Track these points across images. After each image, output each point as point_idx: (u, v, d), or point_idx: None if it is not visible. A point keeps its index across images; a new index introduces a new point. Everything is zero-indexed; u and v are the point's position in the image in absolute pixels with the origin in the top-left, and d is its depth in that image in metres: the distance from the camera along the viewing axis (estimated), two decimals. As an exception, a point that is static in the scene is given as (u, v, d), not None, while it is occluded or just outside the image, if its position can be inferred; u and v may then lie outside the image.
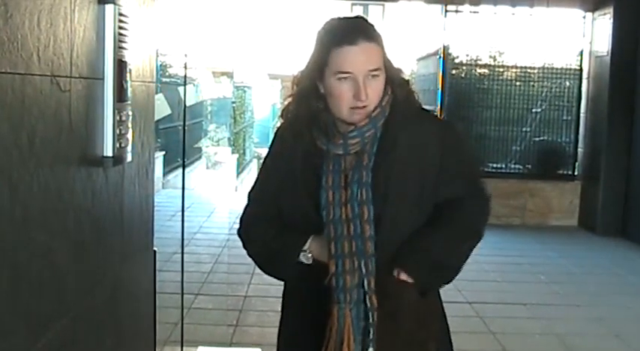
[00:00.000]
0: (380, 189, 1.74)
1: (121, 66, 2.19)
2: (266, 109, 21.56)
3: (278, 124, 1.97)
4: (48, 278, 1.76)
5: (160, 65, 10.26)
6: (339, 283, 1.72)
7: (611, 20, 7.92)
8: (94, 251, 2.14)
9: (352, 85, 1.71)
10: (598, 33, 8.29)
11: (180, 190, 9.73)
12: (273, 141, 1.94)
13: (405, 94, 1.82)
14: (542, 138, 8.86)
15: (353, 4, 9.06)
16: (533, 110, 8.79)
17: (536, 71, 8.87)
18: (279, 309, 1.99)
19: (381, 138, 1.78)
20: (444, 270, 1.83)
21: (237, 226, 1.96)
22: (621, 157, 7.91)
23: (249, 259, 1.94)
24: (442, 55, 8.62)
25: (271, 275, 1.93)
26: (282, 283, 1.95)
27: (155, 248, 3.02)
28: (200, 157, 14.73)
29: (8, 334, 1.55)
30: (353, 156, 1.77)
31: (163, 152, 10.27)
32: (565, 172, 8.73)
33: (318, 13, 10.13)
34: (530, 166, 8.80)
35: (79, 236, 2.00)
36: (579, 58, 8.65)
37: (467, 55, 8.80)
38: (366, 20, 1.80)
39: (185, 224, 5.69)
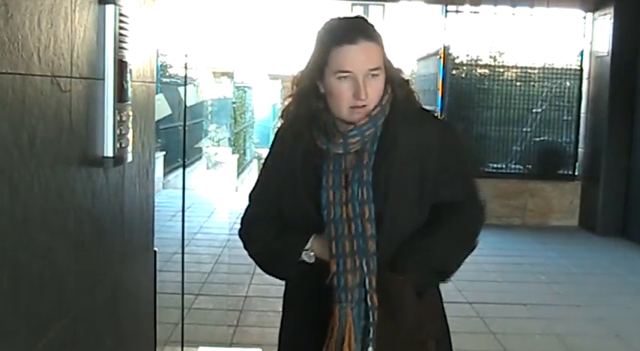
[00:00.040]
0: (380, 188, 1.75)
1: (121, 66, 2.19)
2: (266, 109, 21.57)
3: (278, 125, 1.97)
4: (48, 278, 1.76)
5: (161, 65, 10.26)
6: (340, 282, 1.73)
7: (612, 20, 7.92)
8: (94, 251, 2.14)
9: (352, 84, 1.71)
10: (598, 33, 8.29)
11: (181, 191, 9.75)
12: (273, 141, 1.95)
13: (405, 94, 1.82)
14: (542, 138, 8.86)
15: (353, 4, 9.07)
16: (534, 110, 8.79)
17: (536, 71, 8.87)
18: (280, 309, 1.99)
19: (381, 137, 1.78)
20: (442, 271, 1.84)
21: (237, 226, 1.97)
22: (621, 158, 7.91)
23: (250, 260, 1.94)
24: (442, 56, 8.62)
25: (272, 275, 1.93)
26: (283, 283, 1.96)
27: (155, 248, 3.02)
28: (200, 158, 14.74)
29: (8, 334, 1.55)
30: (353, 155, 1.77)
31: (164, 152, 10.27)
32: (565, 173, 8.73)
33: (318, 13, 10.13)
34: (530, 167, 8.80)
35: (80, 236, 2.00)
36: (580, 58, 8.65)
37: (467, 56, 8.80)
38: (366, 20, 1.80)
39: (185, 224, 5.70)
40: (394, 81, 1.80)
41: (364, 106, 1.73)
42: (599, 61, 8.24)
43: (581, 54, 8.62)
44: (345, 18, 1.81)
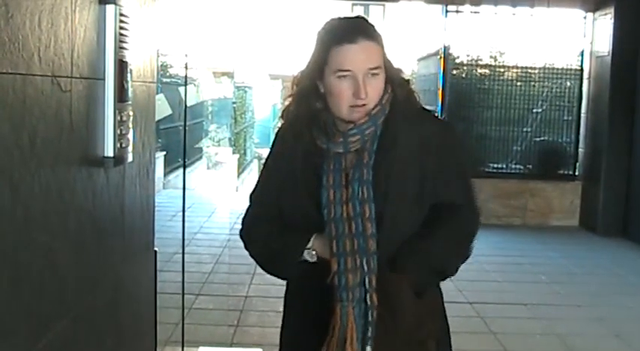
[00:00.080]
0: (381, 187, 1.75)
1: (121, 66, 2.19)
2: (267, 109, 21.58)
3: (279, 125, 1.97)
4: (49, 278, 1.76)
5: (161, 65, 10.26)
6: (341, 281, 1.73)
7: (612, 20, 7.92)
8: (94, 251, 2.14)
9: (352, 83, 1.72)
10: (599, 33, 8.29)
11: (181, 191, 9.75)
12: (274, 142, 1.95)
13: (405, 94, 1.82)
14: (542, 138, 8.85)
15: (353, 5, 9.07)
16: (534, 110, 8.79)
17: (536, 71, 8.87)
18: (280, 309, 1.99)
19: (381, 136, 1.78)
20: (441, 272, 1.84)
21: (238, 226, 1.97)
22: (622, 158, 7.90)
23: (250, 260, 1.94)
24: (442, 56, 8.61)
25: (274, 275, 1.93)
26: (284, 283, 1.96)
27: (156, 248, 3.02)
28: (201, 158, 14.75)
29: (9, 334, 1.55)
30: (353, 154, 1.77)
31: (164, 152, 10.28)
32: (566, 173, 8.73)
33: (319, 13, 10.13)
34: (531, 167, 8.80)
35: (80, 236, 2.00)
36: (580, 58, 8.65)
37: (467, 56, 8.80)
38: (367, 20, 1.81)
39: (186, 224, 5.70)
40: (394, 81, 1.80)
41: (364, 105, 1.73)
42: (600, 61, 8.24)
43: (582, 54, 8.62)
44: (345, 18, 1.81)
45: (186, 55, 8.77)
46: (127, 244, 2.54)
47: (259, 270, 1.95)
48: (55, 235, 1.80)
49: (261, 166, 2.02)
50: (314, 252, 1.79)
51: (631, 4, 7.83)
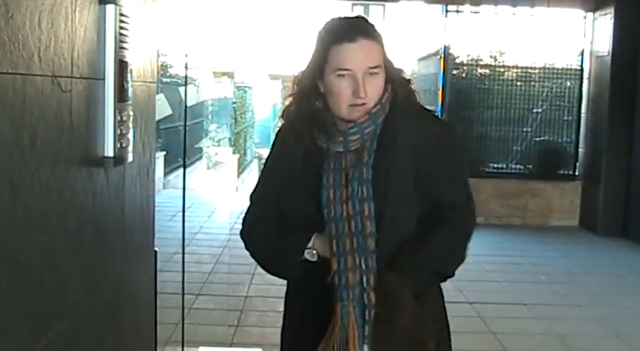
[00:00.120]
0: (380, 186, 1.75)
1: (121, 66, 2.19)
2: (267, 109, 21.58)
3: (279, 125, 1.97)
4: (49, 278, 1.76)
5: (161, 65, 10.26)
6: (341, 280, 1.73)
7: (612, 20, 7.92)
8: (94, 251, 2.14)
9: (351, 82, 1.72)
10: (599, 33, 8.29)
11: (181, 191, 9.75)
12: (274, 142, 1.95)
13: (405, 93, 1.83)
14: (543, 138, 8.85)
15: (353, 5, 9.07)
16: (534, 110, 8.79)
17: (537, 71, 8.87)
18: (280, 309, 1.99)
19: (381, 135, 1.78)
20: (440, 272, 1.84)
21: (238, 226, 1.97)
22: (622, 158, 7.91)
23: (250, 260, 1.94)
24: (442, 56, 8.61)
25: (274, 275, 1.93)
26: (284, 282, 1.96)
27: (156, 248, 3.02)
28: (201, 158, 14.75)
29: (9, 334, 1.55)
30: (353, 153, 1.77)
31: (164, 152, 10.28)
32: (566, 173, 8.73)
33: (319, 13, 10.13)
34: (531, 166, 8.80)
35: (80, 236, 2.00)
36: (580, 58, 8.65)
37: (468, 55, 8.79)
38: (367, 20, 1.81)
39: (186, 224, 5.70)
40: (395, 80, 1.80)
41: (363, 104, 1.73)
42: (600, 61, 8.24)
43: (582, 54, 8.62)
44: (345, 18, 1.82)
45: (186, 55, 8.79)
46: (127, 244, 2.54)
47: (259, 270, 1.95)
48: (55, 235, 1.80)
49: (262, 166, 2.02)
50: (315, 251, 1.79)
51: (631, 4, 7.83)
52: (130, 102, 2.30)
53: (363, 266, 1.72)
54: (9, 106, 1.51)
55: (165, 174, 10.43)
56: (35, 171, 1.66)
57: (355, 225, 1.73)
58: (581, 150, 8.63)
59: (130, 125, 2.31)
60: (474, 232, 1.89)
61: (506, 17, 8.54)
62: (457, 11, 8.52)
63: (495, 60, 8.90)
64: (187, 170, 11.83)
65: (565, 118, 8.77)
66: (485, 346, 4.37)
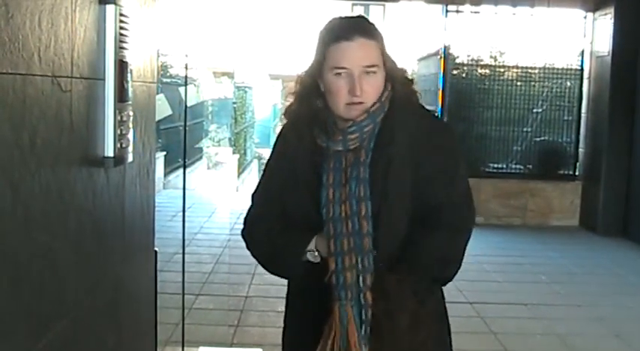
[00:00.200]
0: (378, 185, 1.75)
1: (122, 66, 2.19)
2: (267, 109, 21.59)
3: (280, 124, 1.98)
4: (49, 278, 1.76)
5: (161, 65, 10.27)
6: (339, 280, 1.73)
7: (612, 20, 7.92)
8: (94, 251, 2.14)
9: (348, 80, 1.72)
10: (599, 33, 8.29)
11: (181, 191, 9.75)
12: (276, 141, 1.95)
13: (406, 93, 1.82)
14: (543, 138, 8.85)
15: (354, 4, 9.07)
16: (534, 110, 8.78)
17: (537, 71, 8.86)
18: (281, 309, 1.99)
19: (379, 134, 1.78)
20: (439, 274, 1.84)
21: (238, 226, 1.97)
22: (622, 157, 7.91)
23: (251, 260, 1.94)
24: (442, 56, 8.61)
25: (275, 274, 1.93)
26: (284, 283, 1.96)
27: (156, 248, 3.02)
28: (201, 158, 14.75)
29: (9, 334, 1.55)
30: (352, 152, 1.77)
31: (164, 152, 10.28)
32: (566, 172, 8.73)
33: (319, 13, 10.13)
34: (531, 166, 8.80)
35: (80, 236, 2.00)
36: (580, 58, 8.65)
37: (468, 56, 8.79)
38: (367, 19, 1.81)
39: (186, 224, 5.70)
40: (395, 79, 1.80)
41: (360, 102, 1.73)
42: (600, 61, 8.24)
43: (582, 54, 8.62)
44: (346, 17, 1.82)
45: (186, 55, 8.79)
46: (127, 244, 2.53)
47: (259, 270, 1.95)
48: (55, 235, 1.80)
49: (262, 166, 2.02)
50: (316, 253, 1.79)
51: (631, 4, 7.83)
52: (130, 102, 2.30)
53: (360, 266, 1.72)
54: (9, 106, 1.51)
55: (166, 174, 10.43)
56: (35, 171, 1.66)
57: (352, 225, 1.73)
58: (581, 150, 8.63)
59: (130, 125, 2.31)
60: (472, 231, 1.89)
61: (506, 17, 8.54)
62: (457, 11, 8.51)
63: (495, 60, 8.90)
64: (187, 170, 11.83)
65: (565, 118, 8.77)
66: (486, 346, 4.37)
